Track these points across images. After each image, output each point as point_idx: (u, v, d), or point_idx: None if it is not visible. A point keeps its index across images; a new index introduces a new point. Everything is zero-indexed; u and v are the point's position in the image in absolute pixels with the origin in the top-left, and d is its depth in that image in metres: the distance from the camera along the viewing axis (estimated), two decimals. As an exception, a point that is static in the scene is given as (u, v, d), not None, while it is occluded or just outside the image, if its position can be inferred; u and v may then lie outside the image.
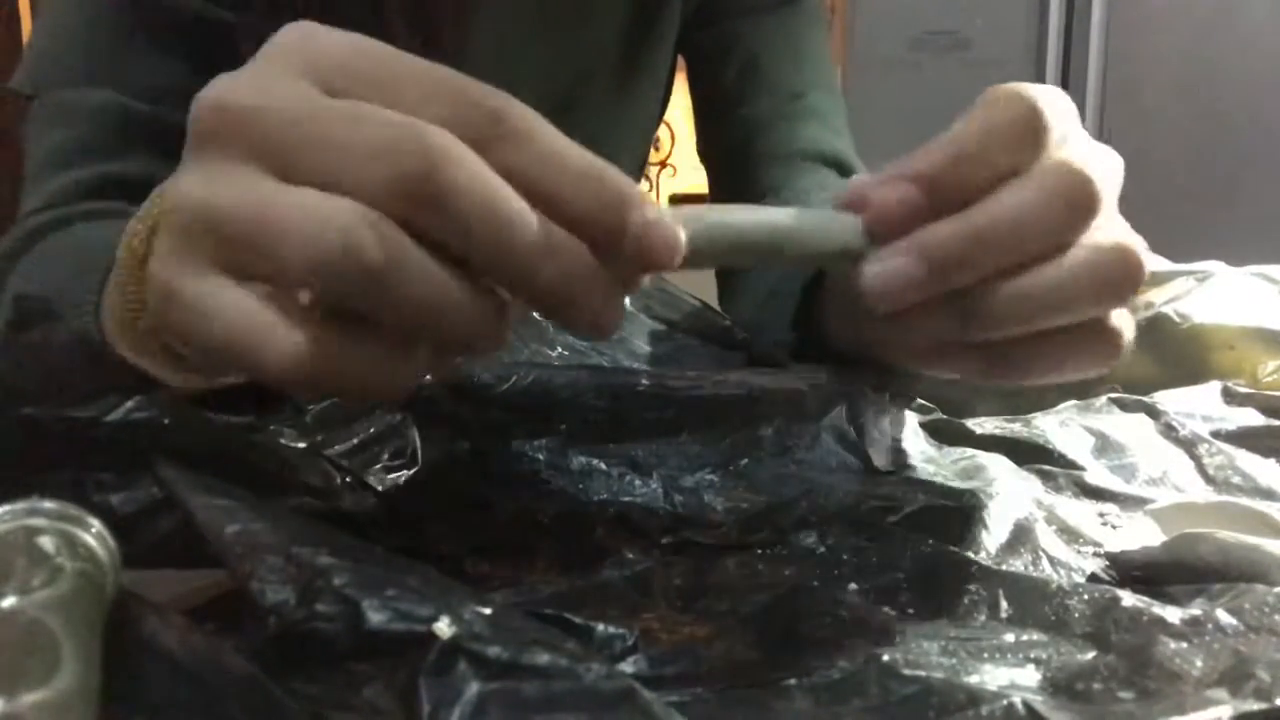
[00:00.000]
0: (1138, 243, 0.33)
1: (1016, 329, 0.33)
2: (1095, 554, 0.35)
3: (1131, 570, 0.33)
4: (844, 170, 0.77)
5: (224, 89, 0.27)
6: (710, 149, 0.81)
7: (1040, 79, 2.17)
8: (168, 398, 0.29)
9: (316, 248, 0.24)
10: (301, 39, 0.27)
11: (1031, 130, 0.32)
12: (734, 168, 0.78)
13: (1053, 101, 0.34)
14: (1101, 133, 2.15)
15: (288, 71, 0.27)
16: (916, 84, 2.23)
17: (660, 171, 3.09)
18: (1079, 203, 0.32)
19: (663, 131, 0.91)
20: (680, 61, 0.82)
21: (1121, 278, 0.33)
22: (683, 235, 0.28)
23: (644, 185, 0.92)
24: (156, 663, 0.18)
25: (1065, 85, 2.17)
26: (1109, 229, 0.33)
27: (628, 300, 0.56)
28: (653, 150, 0.90)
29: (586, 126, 0.76)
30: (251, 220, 0.25)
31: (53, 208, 0.57)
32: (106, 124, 0.58)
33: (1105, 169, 0.34)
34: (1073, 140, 0.34)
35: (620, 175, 0.28)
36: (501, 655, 0.18)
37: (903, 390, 0.49)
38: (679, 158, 2.84)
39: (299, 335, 0.25)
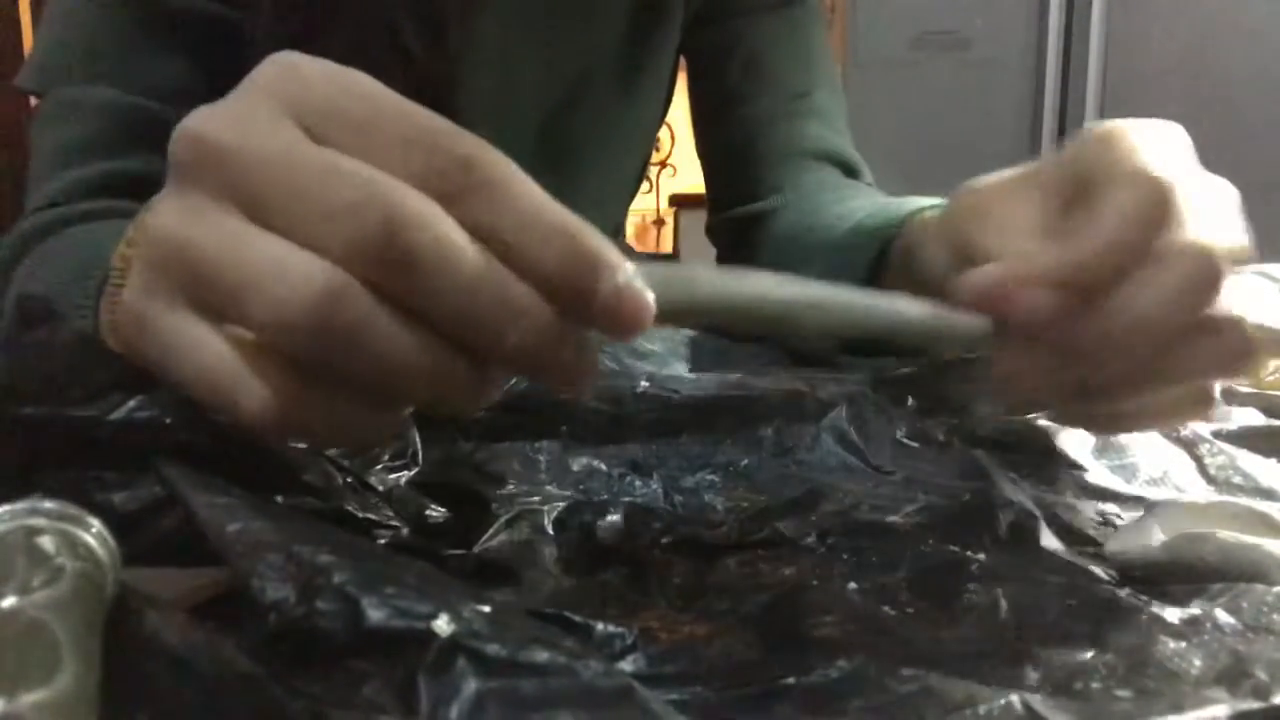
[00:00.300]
0: (1252, 306, 0.34)
1: (1129, 405, 0.34)
2: (1095, 554, 0.35)
3: (1132, 570, 0.33)
4: (848, 170, 0.77)
5: (204, 121, 0.26)
6: (711, 148, 0.81)
7: (1040, 79, 2.18)
8: (170, 398, 0.29)
9: (283, 307, 0.24)
10: (285, 73, 0.27)
11: (1163, 215, 0.33)
12: (735, 166, 0.78)
13: (1167, 141, 0.35)
14: (1101, 132, 2.15)
15: (269, 108, 0.26)
16: (916, 84, 2.23)
17: (660, 171, 3.09)
18: (1207, 287, 0.33)
19: (662, 131, 0.90)
20: (680, 60, 0.82)
21: (1238, 357, 0.34)
22: (652, 300, 0.27)
23: (644, 185, 0.91)
24: (157, 659, 0.18)
25: (1065, 85, 2.18)
26: (1229, 294, 0.34)
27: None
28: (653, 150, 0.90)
29: (590, 124, 0.76)
30: (222, 265, 0.25)
31: (56, 206, 0.57)
32: (111, 122, 0.58)
33: (1229, 228, 0.34)
34: (1193, 191, 0.34)
35: (594, 234, 0.27)
36: (500, 653, 0.18)
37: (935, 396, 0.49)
38: (679, 158, 2.84)
39: (267, 386, 0.25)
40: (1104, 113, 2.15)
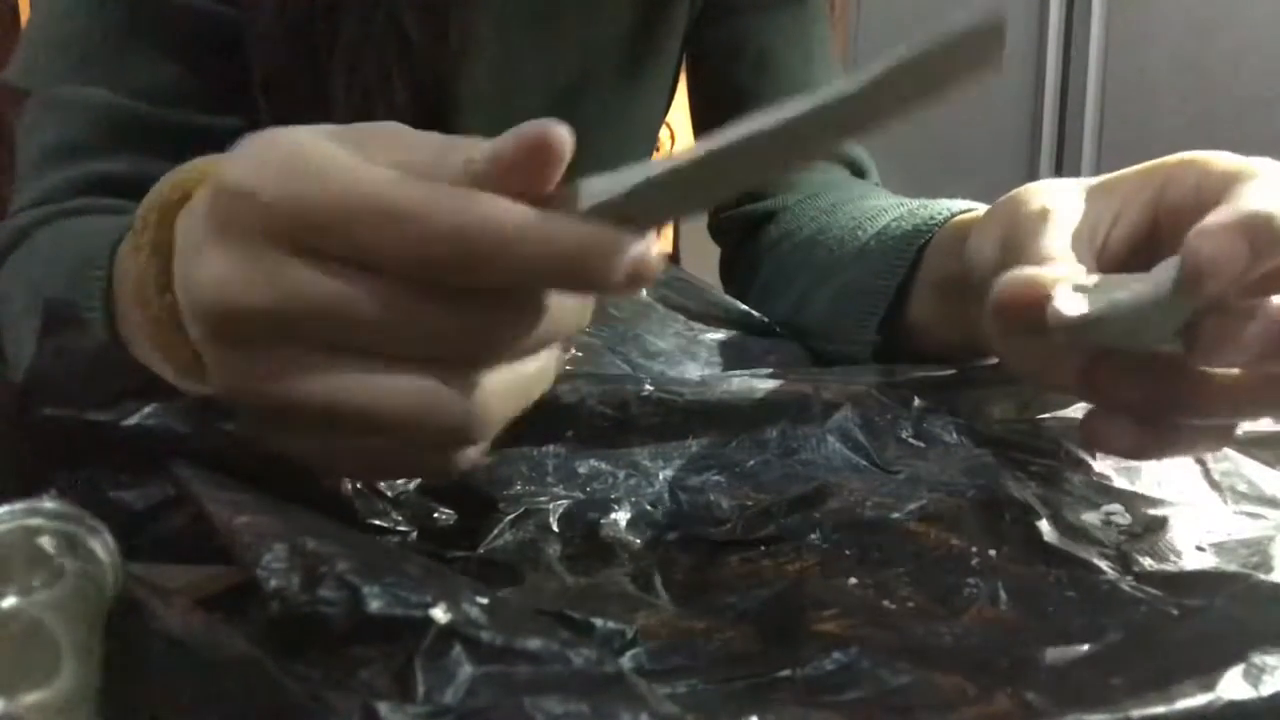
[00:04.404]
0: None
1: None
2: (1100, 553, 0.35)
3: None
4: (857, 169, 0.77)
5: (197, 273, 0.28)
6: None
7: (1040, 79, 2.16)
8: (184, 405, 0.29)
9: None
10: (255, 173, 0.27)
11: None
12: None
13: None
14: (1102, 133, 2.14)
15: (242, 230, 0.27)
16: (916, 84, 2.22)
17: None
18: None
19: (662, 131, 0.89)
20: (683, 56, 0.82)
21: None
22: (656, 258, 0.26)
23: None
24: (157, 644, 0.19)
25: (1065, 85, 2.16)
26: None
27: (644, 291, 0.56)
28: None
29: (593, 118, 0.75)
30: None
31: (42, 205, 0.57)
32: (100, 123, 0.57)
33: None
34: None
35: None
36: (495, 640, 0.18)
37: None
38: (678, 158, 2.81)
39: None
40: (1104, 112, 2.14)
